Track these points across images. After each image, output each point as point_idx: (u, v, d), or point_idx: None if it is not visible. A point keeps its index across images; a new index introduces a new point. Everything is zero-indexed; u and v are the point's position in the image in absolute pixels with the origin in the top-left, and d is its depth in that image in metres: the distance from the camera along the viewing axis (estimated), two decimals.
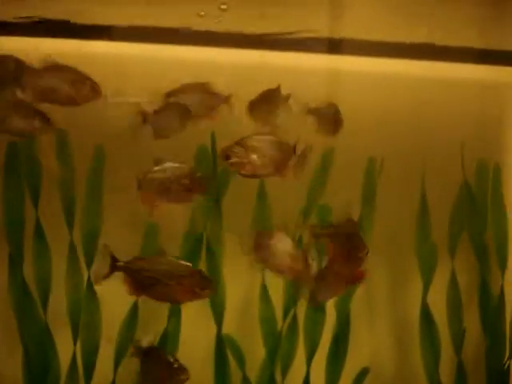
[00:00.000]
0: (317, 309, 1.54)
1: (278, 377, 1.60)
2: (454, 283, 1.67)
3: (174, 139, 1.36)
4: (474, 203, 1.64)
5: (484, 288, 1.65)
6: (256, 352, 1.61)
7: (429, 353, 1.66)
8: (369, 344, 1.77)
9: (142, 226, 1.52)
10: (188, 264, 1.26)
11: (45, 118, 1.27)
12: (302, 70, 1.67)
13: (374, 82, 1.71)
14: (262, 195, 1.58)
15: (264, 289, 1.58)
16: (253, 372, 1.60)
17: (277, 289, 1.58)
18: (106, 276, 1.23)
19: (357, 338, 1.66)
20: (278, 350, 1.59)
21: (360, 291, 1.61)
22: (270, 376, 1.59)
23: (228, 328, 1.58)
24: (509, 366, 1.68)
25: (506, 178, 1.75)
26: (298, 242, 1.37)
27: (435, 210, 1.65)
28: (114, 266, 1.23)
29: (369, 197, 1.59)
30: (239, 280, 1.65)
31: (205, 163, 1.52)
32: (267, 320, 1.58)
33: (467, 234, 1.66)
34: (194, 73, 1.45)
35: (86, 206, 1.51)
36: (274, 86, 1.41)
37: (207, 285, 1.25)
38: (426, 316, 1.65)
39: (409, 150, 1.68)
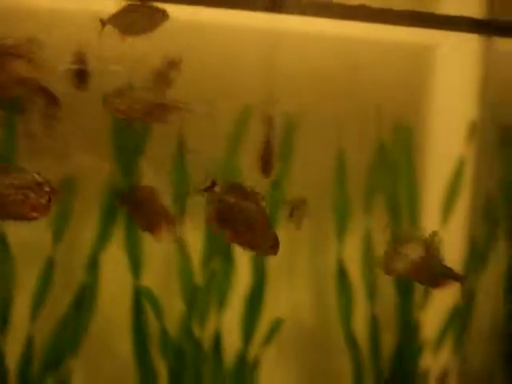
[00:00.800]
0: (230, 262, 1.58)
1: (196, 329, 1.63)
2: (368, 240, 1.73)
3: None
4: (387, 164, 1.70)
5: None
6: (174, 305, 1.64)
7: (344, 306, 1.72)
8: (287, 298, 1.82)
9: None
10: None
11: None
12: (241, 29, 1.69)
13: (311, 42, 1.73)
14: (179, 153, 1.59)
15: (182, 241, 1.60)
16: (171, 324, 1.62)
17: (195, 242, 1.60)
18: None
19: (274, 292, 1.71)
20: (196, 302, 1.61)
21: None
22: (188, 328, 1.61)
23: (146, 281, 1.60)
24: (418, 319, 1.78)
25: (418, 141, 1.82)
26: None
27: (352, 168, 1.70)
28: None
29: (285, 154, 1.62)
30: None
31: None
32: (185, 273, 1.61)
33: (381, 193, 1.72)
34: None
35: None
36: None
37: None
38: (341, 271, 1.71)
39: (329, 109, 1.72)
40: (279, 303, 1.76)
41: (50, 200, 1.06)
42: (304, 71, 1.72)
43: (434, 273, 1.44)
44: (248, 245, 1.11)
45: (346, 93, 1.74)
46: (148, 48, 1.44)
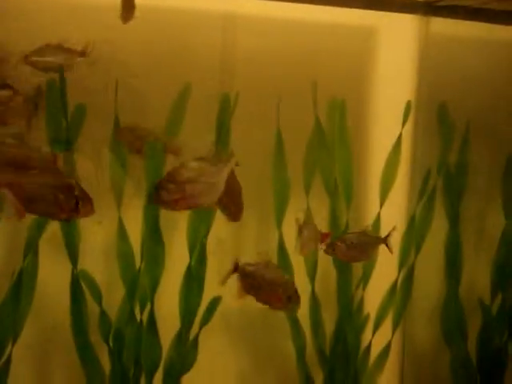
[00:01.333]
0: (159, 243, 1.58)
1: (136, 311, 1.63)
2: (308, 218, 1.74)
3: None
4: (324, 140, 1.71)
5: (333, 222, 1.74)
6: (114, 288, 1.63)
7: None
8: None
9: None
10: None
11: None
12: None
13: (251, 23, 1.74)
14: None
15: (121, 224, 1.59)
16: (112, 308, 1.62)
17: (134, 225, 1.60)
18: None
19: (214, 273, 1.72)
20: (137, 286, 1.61)
21: (216, 226, 1.65)
22: (130, 311, 1.61)
23: (85, 265, 1.60)
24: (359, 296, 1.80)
25: (358, 120, 1.84)
26: None
27: (290, 147, 1.71)
28: None
29: (223, 132, 1.62)
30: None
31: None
32: (125, 256, 1.61)
33: (320, 173, 1.73)
34: None
35: None
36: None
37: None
38: (282, 251, 1.72)
39: (266, 87, 1.72)
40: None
41: (77, 203, 1.12)
42: (246, 52, 1.73)
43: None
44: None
45: (284, 73, 1.75)
46: None
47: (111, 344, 1.59)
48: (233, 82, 1.70)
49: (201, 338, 1.65)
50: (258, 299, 1.40)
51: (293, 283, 1.42)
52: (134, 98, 1.64)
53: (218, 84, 1.68)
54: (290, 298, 1.41)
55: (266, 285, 1.38)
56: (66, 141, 1.53)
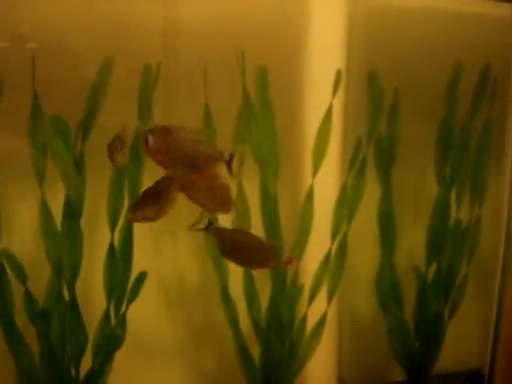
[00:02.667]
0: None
1: (63, 291, 1.59)
2: (240, 193, 1.72)
3: None
4: (251, 112, 1.68)
5: (264, 193, 1.72)
6: (40, 268, 1.59)
7: (217, 260, 1.72)
8: (162, 255, 1.81)
9: None
10: None
11: None
12: None
13: None
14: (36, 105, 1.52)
15: (43, 202, 1.55)
16: (38, 288, 1.58)
17: (56, 202, 1.55)
18: None
19: (142, 250, 1.71)
20: (63, 265, 1.57)
21: None
22: (54, 290, 1.57)
23: (8, 243, 1.55)
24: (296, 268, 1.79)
25: (287, 90, 1.81)
26: None
27: (219, 119, 1.67)
28: None
29: (145, 106, 1.58)
30: (17, 191, 1.62)
31: None
32: (49, 235, 1.56)
33: (248, 142, 1.71)
34: None
35: None
36: None
37: None
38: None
39: (191, 58, 1.68)
40: (150, 261, 1.75)
41: None
42: (170, 23, 1.68)
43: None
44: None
45: (210, 43, 1.71)
46: None
47: (38, 326, 1.55)
48: (156, 53, 1.66)
49: (132, 315, 1.62)
50: (239, 262, 1.42)
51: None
52: (53, 73, 1.59)
53: (141, 56, 1.63)
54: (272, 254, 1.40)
55: (245, 248, 1.39)
56: None
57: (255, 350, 1.81)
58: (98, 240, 1.63)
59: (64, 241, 1.55)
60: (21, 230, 1.62)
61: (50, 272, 1.57)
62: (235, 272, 1.74)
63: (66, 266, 1.55)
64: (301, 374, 1.88)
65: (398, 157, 1.91)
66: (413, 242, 2.00)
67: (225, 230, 1.43)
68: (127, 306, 1.60)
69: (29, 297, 1.55)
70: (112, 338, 1.59)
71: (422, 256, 1.98)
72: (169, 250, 1.80)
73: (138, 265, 1.64)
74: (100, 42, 1.63)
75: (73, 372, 1.59)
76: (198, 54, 1.69)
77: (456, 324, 2.05)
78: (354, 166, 1.82)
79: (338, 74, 1.75)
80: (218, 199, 1.39)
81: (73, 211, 1.54)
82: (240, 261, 1.43)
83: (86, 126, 1.55)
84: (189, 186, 1.38)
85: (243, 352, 1.79)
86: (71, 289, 1.56)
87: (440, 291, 1.99)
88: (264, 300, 1.78)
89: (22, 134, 1.53)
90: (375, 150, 1.86)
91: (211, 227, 1.41)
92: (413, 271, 1.98)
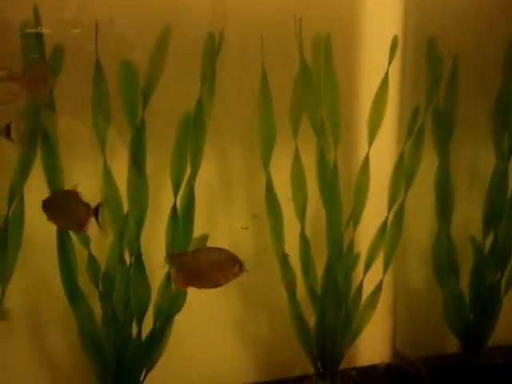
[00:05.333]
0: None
1: (127, 257, 1.63)
2: (297, 161, 1.73)
3: None
4: (310, 80, 1.68)
5: (322, 163, 1.73)
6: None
7: (275, 228, 1.73)
8: (219, 224, 1.83)
9: None
10: None
11: None
12: None
13: None
14: (99, 76, 1.55)
15: (107, 169, 1.58)
16: (101, 253, 1.62)
17: (120, 170, 1.59)
18: None
19: (205, 218, 1.73)
20: (125, 230, 1.61)
21: (204, 168, 1.64)
22: (119, 255, 1.61)
23: None
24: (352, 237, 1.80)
25: (343, 57, 1.81)
26: None
27: (276, 88, 1.68)
28: None
29: (207, 74, 1.59)
30: (80, 158, 1.66)
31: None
32: (112, 200, 1.60)
33: (306, 111, 1.71)
34: None
35: None
36: None
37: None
38: (270, 193, 1.71)
39: (248, 26, 1.69)
40: (211, 229, 1.77)
41: None
42: None
43: None
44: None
45: (268, 10, 1.72)
46: None
47: (101, 287, 1.59)
48: (216, 22, 1.67)
49: None
50: (201, 286, 1.44)
51: (233, 258, 1.44)
52: (116, 40, 1.61)
53: (201, 25, 1.64)
54: (236, 270, 1.45)
55: (203, 270, 1.42)
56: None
57: (311, 318, 1.82)
58: (159, 204, 1.66)
59: (131, 205, 1.58)
60: (85, 196, 1.66)
61: (113, 236, 1.60)
62: (291, 240, 1.75)
63: (128, 228, 1.58)
64: (355, 342, 1.89)
65: (456, 126, 1.88)
66: (470, 212, 1.98)
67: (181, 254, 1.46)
68: None
69: (92, 260, 1.59)
70: (173, 301, 1.62)
71: (479, 227, 1.96)
72: (225, 217, 1.83)
73: (196, 231, 1.66)
74: (159, 10, 1.65)
75: (134, 333, 1.63)
76: (256, 21, 1.70)
77: None
78: (412, 134, 1.80)
79: (395, 40, 1.73)
80: None
81: (138, 172, 1.57)
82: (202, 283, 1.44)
83: (146, 94, 1.57)
84: None
85: (299, 319, 1.80)
86: (135, 249, 1.59)
87: (497, 262, 1.97)
88: (320, 267, 1.79)
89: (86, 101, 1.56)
90: (433, 118, 1.84)
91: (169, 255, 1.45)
92: (469, 242, 1.96)
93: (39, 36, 1.47)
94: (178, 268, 1.44)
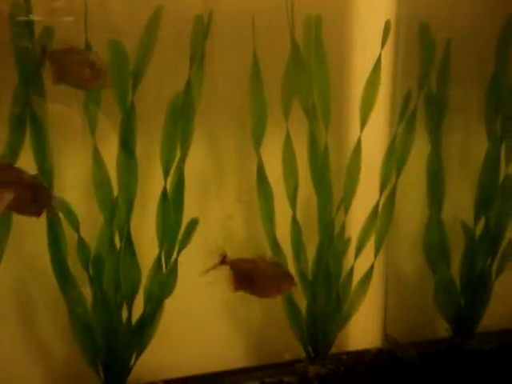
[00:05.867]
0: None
1: (117, 241, 1.62)
2: (288, 144, 1.72)
3: None
4: (301, 62, 1.67)
5: (313, 146, 1.72)
6: (94, 217, 1.62)
7: (266, 213, 1.73)
8: (216, 206, 1.82)
9: None
10: None
11: None
12: None
13: None
14: None
15: (96, 151, 1.57)
16: (91, 236, 1.61)
17: (109, 152, 1.57)
18: None
19: (193, 201, 1.72)
20: (115, 213, 1.60)
21: (193, 151, 1.63)
22: (109, 239, 1.60)
23: (61, 192, 1.58)
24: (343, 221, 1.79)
25: (336, 41, 1.80)
26: None
27: (267, 71, 1.67)
28: None
29: (196, 56, 1.58)
30: (70, 142, 1.64)
31: None
32: (101, 184, 1.59)
33: (297, 94, 1.70)
34: None
35: None
36: None
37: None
38: (261, 177, 1.70)
39: (239, 7, 1.68)
40: (200, 211, 1.77)
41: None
42: None
43: None
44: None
45: None
46: None
47: (91, 271, 1.59)
48: (205, 3, 1.65)
49: (182, 262, 1.64)
50: (253, 293, 1.50)
51: (287, 273, 1.53)
52: (105, 22, 1.60)
53: (191, 6, 1.63)
54: (287, 286, 1.52)
55: (260, 279, 1.48)
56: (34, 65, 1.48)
57: (302, 303, 1.82)
58: (149, 188, 1.65)
59: (117, 188, 1.57)
60: (74, 180, 1.66)
61: (103, 220, 1.59)
62: (282, 224, 1.75)
63: (118, 212, 1.57)
64: (346, 327, 1.90)
65: (448, 111, 1.87)
66: (461, 197, 1.98)
67: (241, 260, 1.49)
68: (178, 253, 1.62)
69: (82, 244, 1.58)
70: (163, 285, 1.62)
71: (470, 212, 1.96)
72: (215, 201, 1.82)
73: (186, 214, 1.66)
74: None
75: (124, 317, 1.62)
76: (247, 2, 1.69)
77: (504, 281, 2.03)
78: (404, 118, 1.80)
79: (387, 24, 1.72)
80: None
81: (127, 155, 1.56)
82: (255, 291, 1.49)
83: (136, 76, 1.56)
84: None
85: (290, 304, 1.80)
86: (125, 232, 1.59)
87: (487, 247, 1.97)
88: (311, 252, 1.79)
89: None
90: (425, 102, 1.83)
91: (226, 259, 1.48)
92: (460, 227, 1.96)
93: (30, 24, 1.45)
94: (237, 273, 1.48)
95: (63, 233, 1.57)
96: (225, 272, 1.82)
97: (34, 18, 1.48)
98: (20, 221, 1.57)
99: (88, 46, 1.52)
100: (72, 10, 1.55)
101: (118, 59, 1.53)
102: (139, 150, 1.60)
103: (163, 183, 1.60)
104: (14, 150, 1.51)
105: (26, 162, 1.51)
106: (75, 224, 1.56)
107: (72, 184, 1.66)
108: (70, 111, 1.61)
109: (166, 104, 1.60)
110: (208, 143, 1.80)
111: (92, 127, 1.56)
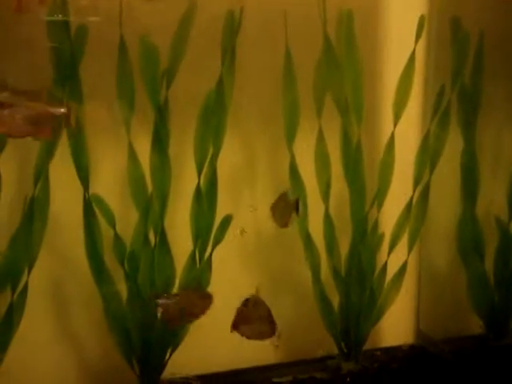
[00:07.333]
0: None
1: (152, 237, 1.63)
2: (320, 140, 1.72)
3: None
4: (334, 57, 1.67)
5: (345, 141, 1.72)
6: (127, 211, 1.63)
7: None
8: (242, 202, 1.82)
9: None
10: None
11: None
12: None
13: None
14: (123, 55, 1.54)
15: (131, 148, 1.58)
16: (126, 232, 1.62)
17: (143, 148, 1.59)
18: None
19: (227, 196, 1.73)
20: (150, 209, 1.61)
21: (226, 148, 1.63)
22: (144, 234, 1.62)
23: (97, 189, 1.59)
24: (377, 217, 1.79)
25: (369, 37, 1.79)
26: None
27: (299, 66, 1.66)
28: None
29: (228, 53, 1.58)
30: (105, 139, 1.66)
31: None
32: (136, 180, 1.60)
33: (329, 90, 1.69)
34: None
35: None
36: None
37: None
38: (294, 173, 1.71)
39: (270, 2, 1.68)
40: (234, 208, 1.77)
41: None
42: None
43: None
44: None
45: None
46: None
47: (126, 267, 1.60)
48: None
49: (215, 259, 1.65)
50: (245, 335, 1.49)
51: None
52: (140, 19, 1.61)
53: (222, 2, 1.63)
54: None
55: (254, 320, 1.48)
56: (70, 64, 1.50)
57: (335, 298, 1.82)
58: (182, 184, 1.66)
59: (154, 185, 1.58)
60: (109, 177, 1.67)
61: (137, 216, 1.61)
62: (315, 220, 1.75)
63: (152, 208, 1.59)
64: (379, 323, 1.89)
65: (482, 106, 1.86)
66: (495, 192, 1.96)
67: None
68: (213, 249, 1.63)
69: (118, 239, 1.59)
70: (198, 281, 1.63)
71: (504, 207, 1.94)
72: (248, 197, 1.83)
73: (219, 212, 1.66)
74: None
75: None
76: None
77: None
78: (437, 114, 1.78)
79: (421, 19, 1.71)
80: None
81: (161, 153, 1.57)
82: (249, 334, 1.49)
83: (169, 73, 1.57)
84: None
85: (323, 300, 1.80)
86: (159, 228, 1.60)
87: None
88: (344, 248, 1.79)
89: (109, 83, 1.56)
90: (459, 97, 1.82)
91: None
92: (494, 222, 1.94)
93: (66, 23, 1.46)
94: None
95: (99, 228, 1.58)
96: (258, 267, 1.83)
97: (70, 18, 1.49)
98: (56, 216, 1.60)
99: (122, 44, 1.53)
100: (104, 8, 1.57)
101: (149, 56, 1.54)
102: (172, 146, 1.61)
103: (196, 180, 1.60)
104: (51, 145, 1.52)
105: (62, 157, 1.53)
106: (111, 220, 1.58)
107: (107, 180, 1.67)
108: (105, 107, 1.62)
109: (198, 100, 1.60)
110: (240, 140, 1.80)
111: (127, 124, 1.56)
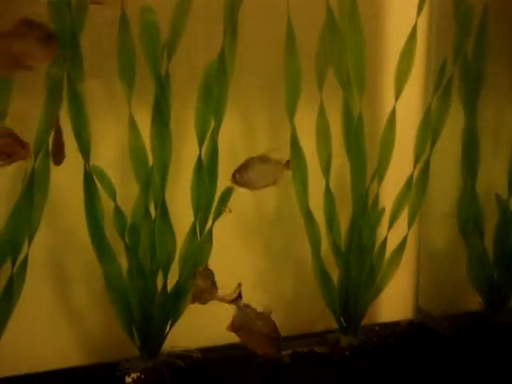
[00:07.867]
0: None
1: (152, 209, 1.63)
2: (321, 113, 1.71)
3: None
4: (336, 30, 1.66)
5: (347, 115, 1.71)
6: (128, 184, 1.63)
7: (299, 182, 1.72)
8: None
9: None
10: None
11: None
12: None
13: None
14: (124, 26, 1.53)
15: (132, 120, 1.57)
16: (127, 205, 1.62)
17: (143, 120, 1.58)
18: None
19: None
20: (150, 182, 1.61)
21: (227, 120, 1.63)
22: (145, 207, 1.61)
23: (97, 161, 1.59)
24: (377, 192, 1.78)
25: (370, 11, 1.77)
26: None
27: (301, 39, 1.65)
28: None
29: (230, 25, 1.57)
30: (105, 113, 1.65)
31: None
32: (137, 152, 1.59)
33: (331, 63, 1.68)
34: None
35: None
36: None
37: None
38: (295, 146, 1.70)
39: None
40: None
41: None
42: None
43: None
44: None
45: None
46: None
47: (127, 240, 1.60)
48: None
49: (215, 234, 1.65)
50: (243, 340, 1.47)
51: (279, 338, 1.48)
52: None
53: None
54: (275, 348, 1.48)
55: (255, 331, 1.45)
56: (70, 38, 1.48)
57: (334, 273, 1.82)
58: (183, 157, 1.66)
59: (155, 157, 1.58)
60: (110, 149, 1.67)
61: (138, 189, 1.61)
62: (316, 194, 1.75)
63: (153, 180, 1.58)
64: (378, 298, 1.89)
65: (484, 81, 1.85)
66: (495, 170, 1.96)
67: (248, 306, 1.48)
68: (213, 222, 1.63)
69: (118, 212, 1.59)
70: (198, 253, 1.63)
71: (505, 184, 1.94)
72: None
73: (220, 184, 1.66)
74: None
75: (159, 285, 1.64)
76: None
77: None
78: (439, 89, 1.77)
79: None
80: None
81: (161, 125, 1.56)
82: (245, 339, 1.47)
83: (171, 46, 1.56)
84: None
85: (323, 275, 1.80)
86: (160, 201, 1.59)
87: None
88: (344, 223, 1.79)
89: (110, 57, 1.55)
90: (461, 72, 1.81)
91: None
92: (494, 199, 1.94)
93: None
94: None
95: (100, 201, 1.58)
96: (258, 241, 1.84)
97: None
98: (57, 190, 1.60)
99: (124, 18, 1.51)
100: None
101: (150, 27, 1.53)
102: (173, 119, 1.60)
103: (197, 152, 1.60)
104: (51, 118, 1.52)
105: (64, 131, 1.52)
106: (112, 192, 1.57)
107: (108, 153, 1.67)
108: (106, 81, 1.62)
109: (199, 73, 1.60)
110: (241, 113, 1.79)
111: (128, 96, 1.56)
